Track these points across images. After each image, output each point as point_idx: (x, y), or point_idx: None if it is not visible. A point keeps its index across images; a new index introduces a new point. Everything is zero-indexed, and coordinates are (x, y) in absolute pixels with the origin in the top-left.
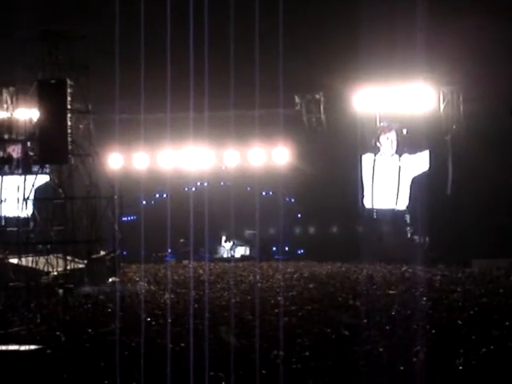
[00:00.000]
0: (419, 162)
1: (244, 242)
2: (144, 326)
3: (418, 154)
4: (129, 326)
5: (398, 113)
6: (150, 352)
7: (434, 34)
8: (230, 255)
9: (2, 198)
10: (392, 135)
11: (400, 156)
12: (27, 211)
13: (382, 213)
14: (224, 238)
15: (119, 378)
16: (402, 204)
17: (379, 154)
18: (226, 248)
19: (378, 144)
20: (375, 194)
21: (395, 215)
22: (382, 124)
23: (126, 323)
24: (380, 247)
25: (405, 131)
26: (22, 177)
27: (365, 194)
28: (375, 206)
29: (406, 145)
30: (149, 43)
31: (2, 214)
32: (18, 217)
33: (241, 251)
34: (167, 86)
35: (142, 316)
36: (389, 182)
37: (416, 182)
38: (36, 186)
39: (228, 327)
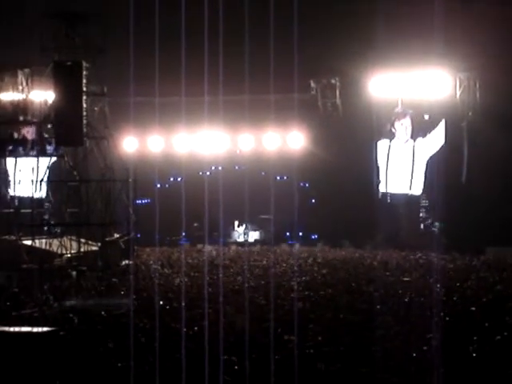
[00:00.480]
0: (434, 141)
1: (257, 226)
2: (157, 309)
3: (433, 132)
4: (142, 308)
5: (413, 99)
6: (164, 335)
7: (451, 20)
8: (243, 239)
9: (17, 180)
10: (407, 121)
11: (414, 141)
12: (41, 193)
13: (396, 198)
14: (237, 223)
15: (132, 361)
16: (417, 189)
17: (394, 139)
18: (239, 232)
19: (392, 130)
20: (390, 179)
21: (410, 200)
22: (396, 110)
23: (139, 306)
24: (394, 233)
25: (424, 117)
26: (37, 159)
27: (380, 179)
28: (390, 191)
29: (421, 130)
30: (164, 26)
31: (17, 195)
32: (32, 198)
33: (254, 236)
34: (182, 70)
35: (155, 299)
36: (403, 167)
37: (430, 168)
38: (50, 168)
39: (239, 313)
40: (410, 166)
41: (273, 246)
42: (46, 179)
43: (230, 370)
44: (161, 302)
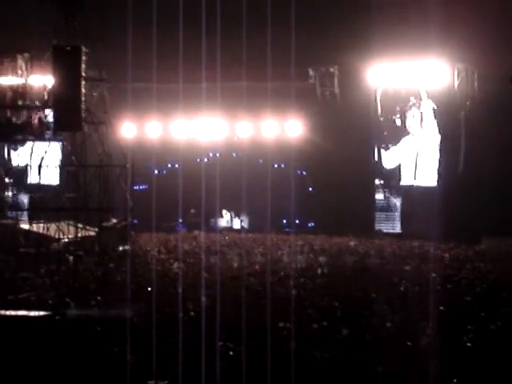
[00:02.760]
0: (433, 139)
1: (247, 213)
2: (154, 294)
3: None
4: (138, 294)
5: (411, 88)
6: (160, 320)
7: (449, 10)
8: (228, 226)
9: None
10: (416, 112)
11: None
12: (39, 178)
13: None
14: (224, 211)
15: (128, 346)
16: (419, 179)
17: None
18: (225, 219)
19: (406, 123)
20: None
21: (411, 190)
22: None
23: (135, 291)
24: (392, 222)
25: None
26: (35, 143)
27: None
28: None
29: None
30: (163, 12)
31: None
32: (30, 183)
33: (239, 223)
34: (180, 56)
35: (151, 284)
36: (407, 158)
37: (429, 158)
38: (49, 152)
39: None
40: (414, 156)
41: (270, 233)
42: (44, 164)
43: (226, 356)
44: (157, 288)
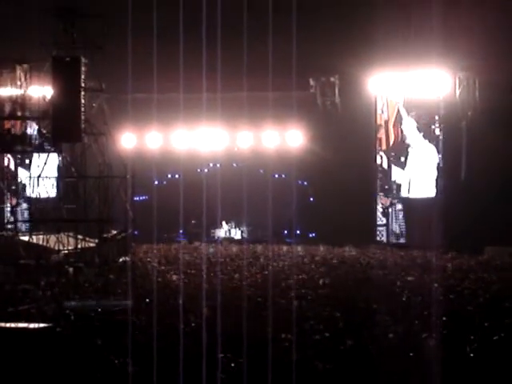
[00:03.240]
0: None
1: (246, 224)
2: (154, 306)
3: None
4: (139, 305)
5: (413, 98)
6: (160, 332)
7: (450, 19)
8: (229, 237)
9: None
10: (413, 122)
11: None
12: (39, 189)
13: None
14: (224, 222)
15: (129, 358)
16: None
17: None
18: (224, 229)
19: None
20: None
21: (412, 200)
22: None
23: (135, 303)
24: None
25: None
26: (35, 155)
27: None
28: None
29: (423, 131)
30: (163, 23)
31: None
32: (30, 195)
33: (238, 233)
34: (181, 66)
35: (152, 296)
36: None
37: (428, 169)
38: (49, 164)
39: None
40: (420, 168)
41: (271, 244)
42: (43, 175)
43: (227, 368)
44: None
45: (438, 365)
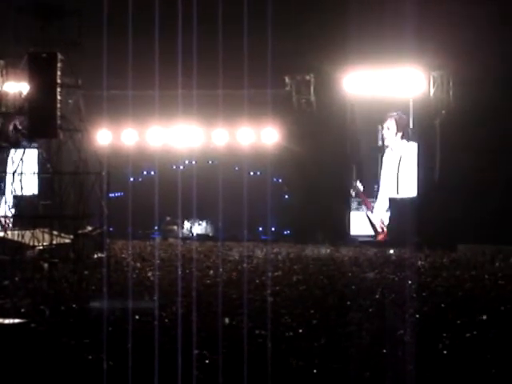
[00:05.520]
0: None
1: (221, 221)
2: (129, 302)
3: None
4: (114, 302)
5: (387, 96)
6: (135, 328)
7: (423, 18)
8: (188, 234)
9: None
10: (392, 124)
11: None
12: (14, 186)
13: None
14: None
15: (103, 354)
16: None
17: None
18: (199, 226)
19: (383, 135)
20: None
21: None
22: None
23: (111, 299)
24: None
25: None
26: (12, 151)
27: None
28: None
29: (404, 130)
30: (138, 20)
31: None
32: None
33: (199, 230)
34: (156, 64)
35: (127, 292)
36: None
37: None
38: (24, 160)
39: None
40: (397, 169)
41: (246, 241)
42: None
43: (202, 365)
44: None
45: (412, 362)
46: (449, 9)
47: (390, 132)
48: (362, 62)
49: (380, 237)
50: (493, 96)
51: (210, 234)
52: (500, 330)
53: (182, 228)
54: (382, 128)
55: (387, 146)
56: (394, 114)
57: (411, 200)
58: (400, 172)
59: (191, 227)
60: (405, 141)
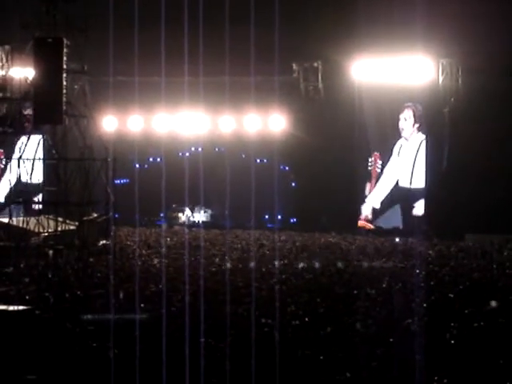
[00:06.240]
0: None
1: (228, 208)
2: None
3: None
4: (119, 289)
5: (395, 84)
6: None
7: (434, 6)
8: (187, 221)
9: None
10: (409, 114)
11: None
12: (20, 171)
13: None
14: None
15: (108, 342)
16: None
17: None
18: (205, 214)
19: (400, 126)
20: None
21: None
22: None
23: (116, 287)
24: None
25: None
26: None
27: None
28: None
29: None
30: (145, 6)
31: None
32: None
33: (200, 217)
34: (162, 50)
35: (133, 280)
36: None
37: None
38: (30, 146)
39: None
40: (413, 159)
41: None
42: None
43: (208, 352)
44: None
45: (419, 351)
46: None
47: (407, 123)
48: (370, 50)
49: (360, 223)
50: (501, 84)
51: (216, 222)
52: (508, 319)
53: (188, 215)
54: (398, 119)
55: (403, 137)
56: (410, 104)
57: (420, 190)
58: (416, 164)
59: (193, 214)
60: (421, 133)
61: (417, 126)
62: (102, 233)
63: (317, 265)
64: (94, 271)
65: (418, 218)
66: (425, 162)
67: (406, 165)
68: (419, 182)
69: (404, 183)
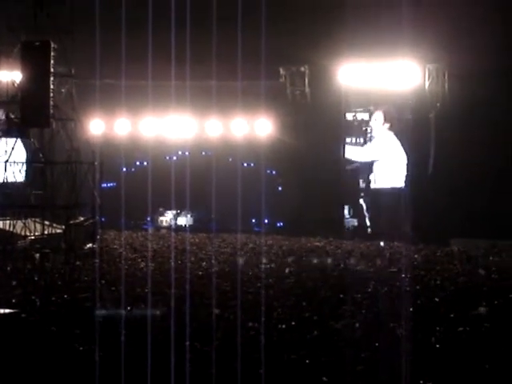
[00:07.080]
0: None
1: (214, 212)
2: (122, 293)
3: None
4: (106, 293)
5: (382, 89)
6: (127, 320)
7: (420, 10)
8: (170, 224)
9: None
10: (378, 115)
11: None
12: (6, 174)
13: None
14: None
15: (94, 345)
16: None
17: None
18: (167, 217)
19: (368, 128)
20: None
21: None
22: (370, 107)
23: (103, 290)
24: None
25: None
26: (3, 140)
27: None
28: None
29: (392, 122)
30: (132, 10)
31: None
32: None
33: (183, 221)
34: (149, 54)
35: (119, 283)
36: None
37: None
38: (16, 149)
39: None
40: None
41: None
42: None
43: (194, 357)
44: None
45: (405, 355)
46: (444, 1)
47: (376, 122)
48: (356, 55)
49: None
50: (488, 89)
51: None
52: (494, 324)
53: (174, 219)
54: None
55: (373, 137)
56: (382, 106)
57: (399, 190)
58: (389, 163)
59: (179, 218)
60: (392, 133)
61: (387, 125)
62: (88, 236)
63: (303, 268)
64: (80, 275)
65: (402, 221)
66: (409, 165)
67: (379, 164)
68: (394, 181)
69: (381, 183)
